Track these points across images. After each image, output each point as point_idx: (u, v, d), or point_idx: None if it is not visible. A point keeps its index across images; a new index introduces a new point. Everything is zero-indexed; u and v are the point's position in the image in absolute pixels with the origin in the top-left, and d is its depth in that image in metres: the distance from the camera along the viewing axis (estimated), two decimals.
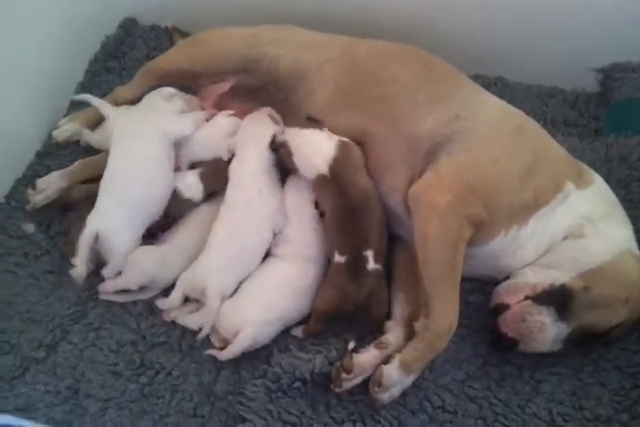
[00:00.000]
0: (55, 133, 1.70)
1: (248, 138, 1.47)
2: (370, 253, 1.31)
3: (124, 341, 1.36)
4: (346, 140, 1.41)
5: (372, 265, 1.31)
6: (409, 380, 1.24)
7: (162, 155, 1.45)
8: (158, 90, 1.62)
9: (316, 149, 1.39)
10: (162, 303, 1.38)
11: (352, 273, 1.30)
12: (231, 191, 1.42)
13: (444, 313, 1.22)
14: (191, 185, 1.48)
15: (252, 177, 1.43)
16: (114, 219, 1.36)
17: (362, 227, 1.32)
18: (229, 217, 1.40)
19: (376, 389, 1.21)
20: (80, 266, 1.33)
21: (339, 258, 1.32)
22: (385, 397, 1.23)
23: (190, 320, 1.35)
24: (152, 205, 1.42)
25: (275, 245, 1.40)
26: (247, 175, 1.43)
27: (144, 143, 1.45)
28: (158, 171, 1.44)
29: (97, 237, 1.34)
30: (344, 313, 1.30)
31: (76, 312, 1.40)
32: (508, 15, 1.84)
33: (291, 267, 1.37)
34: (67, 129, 1.70)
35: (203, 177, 1.49)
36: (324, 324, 1.32)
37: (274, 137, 1.44)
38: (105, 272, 1.38)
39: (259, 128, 1.48)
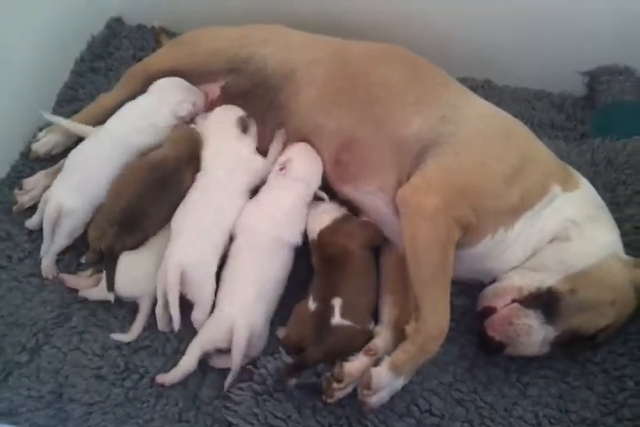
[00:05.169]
0: (35, 147, 1.66)
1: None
2: (337, 303, 1.26)
3: (109, 344, 1.35)
4: (349, 214, 1.44)
5: (337, 319, 1.25)
6: (398, 383, 1.21)
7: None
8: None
9: (316, 218, 1.42)
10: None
11: (316, 326, 1.25)
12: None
13: (435, 316, 1.21)
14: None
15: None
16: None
17: (333, 277, 1.31)
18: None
19: (365, 391, 1.19)
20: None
21: (311, 304, 1.29)
22: (374, 400, 1.20)
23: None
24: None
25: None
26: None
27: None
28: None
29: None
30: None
31: (59, 316, 1.39)
32: (495, 19, 1.85)
33: (255, 253, 1.36)
34: (47, 141, 1.66)
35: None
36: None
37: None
38: None
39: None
